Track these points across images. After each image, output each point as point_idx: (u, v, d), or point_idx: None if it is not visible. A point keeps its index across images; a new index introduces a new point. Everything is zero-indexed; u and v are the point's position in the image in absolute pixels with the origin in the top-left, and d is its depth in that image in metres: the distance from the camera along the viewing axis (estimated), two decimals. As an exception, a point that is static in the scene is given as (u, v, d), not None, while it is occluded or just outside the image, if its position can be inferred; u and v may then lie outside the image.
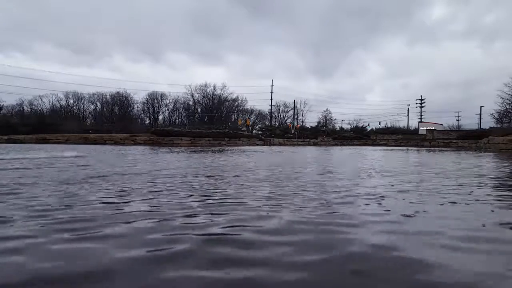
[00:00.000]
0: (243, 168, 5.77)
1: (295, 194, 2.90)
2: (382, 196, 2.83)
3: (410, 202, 2.58)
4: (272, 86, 55.55)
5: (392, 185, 3.60)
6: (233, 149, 15.20)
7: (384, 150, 19.61)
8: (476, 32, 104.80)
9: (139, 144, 26.02)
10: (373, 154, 12.54)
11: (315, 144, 35.85)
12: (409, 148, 26.06)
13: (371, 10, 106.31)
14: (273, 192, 3.01)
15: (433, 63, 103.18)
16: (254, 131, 54.12)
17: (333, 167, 6.13)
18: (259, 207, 2.34)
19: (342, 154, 13.21)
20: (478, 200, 2.74)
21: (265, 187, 3.39)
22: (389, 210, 2.27)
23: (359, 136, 44.63)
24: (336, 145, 35.78)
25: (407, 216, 2.10)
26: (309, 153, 12.91)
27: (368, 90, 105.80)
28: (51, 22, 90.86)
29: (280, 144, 32.71)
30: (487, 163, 7.73)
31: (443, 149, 23.31)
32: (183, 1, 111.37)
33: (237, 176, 4.40)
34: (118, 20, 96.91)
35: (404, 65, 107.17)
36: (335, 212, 2.21)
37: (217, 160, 7.78)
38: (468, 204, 2.56)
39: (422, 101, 63.33)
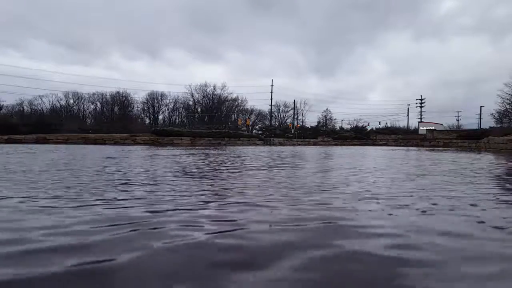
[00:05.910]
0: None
1: None
2: None
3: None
4: (272, 85, 55.61)
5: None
6: (248, 155, 14.48)
7: (391, 150, 19.59)
8: (487, 27, 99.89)
9: (139, 144, 26.02)
10: (391, 155, 12.06)
11: (315, 144, 35.83)
12: (409, 148, 26.05)
13: (377, 5, 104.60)
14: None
15: (439, 61, 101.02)
16: (254, 131, 54.14)
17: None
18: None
19: (361, 155, 12.92)
20: None
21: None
22: None
23: (359, 136, 44.60)
24: (336, 144, 35.76)
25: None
26: (336, 156, 12.42)
27: (370, 89, 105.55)
28: (45, 19, 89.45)
29: (280, 144, 32.68)
30: None
31: (444, 148, 23.31)
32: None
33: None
34: (114, 16, 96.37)
35: (409, 62, 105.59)
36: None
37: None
38: None
39: (422, 101, 63.45)
